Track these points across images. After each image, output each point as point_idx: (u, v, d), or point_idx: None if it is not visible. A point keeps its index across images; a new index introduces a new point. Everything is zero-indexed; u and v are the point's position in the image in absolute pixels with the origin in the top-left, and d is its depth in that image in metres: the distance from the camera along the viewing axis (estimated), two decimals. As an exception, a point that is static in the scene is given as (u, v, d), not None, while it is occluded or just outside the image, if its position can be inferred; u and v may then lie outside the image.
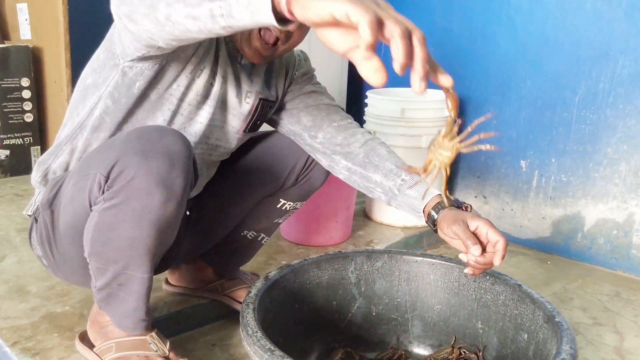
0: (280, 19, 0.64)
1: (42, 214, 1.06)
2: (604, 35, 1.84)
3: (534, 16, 2.00)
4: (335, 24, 0.60)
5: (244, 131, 1.17)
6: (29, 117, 2.46)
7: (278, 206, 1.32)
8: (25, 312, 1.29)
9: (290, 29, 0.67)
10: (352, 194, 1.87)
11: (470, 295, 1.18)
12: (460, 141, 0.86)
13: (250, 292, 1.01)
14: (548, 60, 1.98)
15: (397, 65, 0.61)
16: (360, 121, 2.10)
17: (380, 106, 2.02)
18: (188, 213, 1.27)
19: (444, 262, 1.22)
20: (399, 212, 2.05)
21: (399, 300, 1.24)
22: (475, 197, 2.28)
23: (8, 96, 2.38)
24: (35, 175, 1.11)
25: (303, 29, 1.03)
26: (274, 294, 1.07)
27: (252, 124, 1.17)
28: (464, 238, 0.97)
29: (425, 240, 2.08)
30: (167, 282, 1.45)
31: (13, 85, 2.38)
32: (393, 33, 0.60)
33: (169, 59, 0.98)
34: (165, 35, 0.79)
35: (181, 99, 1.04)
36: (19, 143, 2.45)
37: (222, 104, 1.11)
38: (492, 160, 2.20)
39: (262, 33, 1.01)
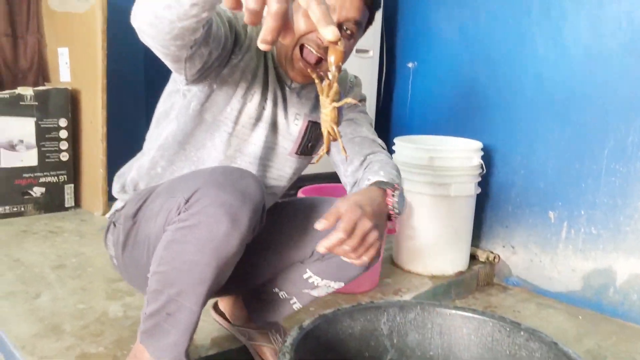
0: None
1: (124, 223, 1.14)
2: (632, 90, 1.86)
3: (562, 68, 2.03)
4: None
5: (296, 153, 1.22)
6: (64, 156, 2.53)
7: (304, 277, 1.24)
8: (61, 351, 1.31)
9: None
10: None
11: (504, 351, 1.17)
12: (333, 99, 0.90)
13: (286, 341, 1.02)
14: (576, 112, 2.00)
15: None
16: (389, 168, 2.13)
17: (407, 153, 2.05)
18: None
19: (476, 316, 1.22)
20: (425, 260, 2.06)
21: (431, 353, 1.23)
22: (503, 246, 2.27)
23: (46, 135, 2.46)
24: (115, 186, 1.24)
25: (346, 46, 1.08)
26: (308, 343, 1.08)
27: (303, 146, 1.22)
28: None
29: (454, 290, 2.06)
30: (214, 307, 1.48)
31: (51, 126, 2.47)
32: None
33: (219, 84, 1.09)
34: (163, 36, 0.87)
35: (235, 122, 1.14)
36: (54, 181, 2.52)
37: (273, 126, 1.18)
38: (520, 210, 2.20)
39: (303, 54, 1.07)
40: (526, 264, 2.19)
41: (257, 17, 0.62)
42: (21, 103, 2.37)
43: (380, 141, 1.23)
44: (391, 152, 2.13)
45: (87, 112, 2.53)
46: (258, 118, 1.15)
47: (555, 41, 2.04)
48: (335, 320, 1.17)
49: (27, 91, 2.39)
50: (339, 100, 0.92)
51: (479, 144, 2.08)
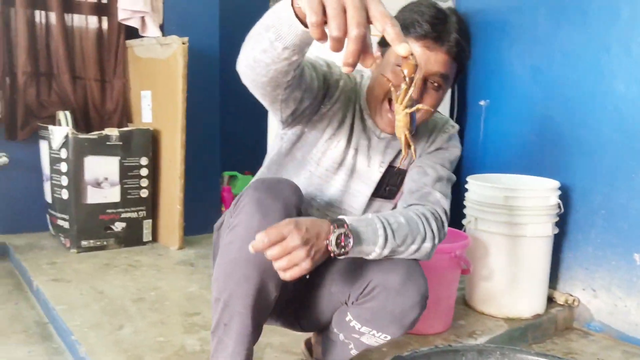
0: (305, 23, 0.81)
1: (214, 236, 1.32)
2: None
3: (643, 106, 1.96)
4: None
5: (374, 196, 1.28)
6: (144, 193, 2.66)
7: (346, 319, 1.21)
8: (144, 383, 1.36)
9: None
10: (454, 282, 1.85)
11: (593, 402, 1.11)
12: (405, 106, 1.00)
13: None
14: (661, 151, 1.92)
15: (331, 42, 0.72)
16: (459, 205, 2.11)
17: (481, 192, 2.02)
18: (307, 276, 1.29)
19: (561, 363, 1.17)
20: (500, 302, 2.00)
21: (513, 401, 1.19)
22: (583, 289, 2.17)
23: (129, 173, 2.60)
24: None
25: (434, 97, 1.15)
26: (386, 385, 1.07)
27: (381, 190, 1.29)
28: None
29: (530, 334, 1.98)
30: (306, 341, 1.52)
31: (134, 164, 2.61)
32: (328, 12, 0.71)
33: (309, 128, 1.23)
34: (260, 78, 0.98)
35: (318, 163, 1.25)
36: (134, 217, 2.65)
37: (352, 172, 1.26)
38: (601, 251, 2.10)
39: (391, 106, 1.15)
40: (609, 309, 2.08)
41: (340, 43, 0.71)
42: (107, 143, 2.52)
43: (437, 196, 1.20)
44: (464, 190, 2.11)
45: (167, 151, 2.66)
46: (340, 163, 1.24)
47: (636, 78, 1.97)
48: (413, 362, 1.15)
49: (113, 132, 2.55)
50: (411, 106, 1.01)
51: (556, 183, 2.02)
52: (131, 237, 2.65)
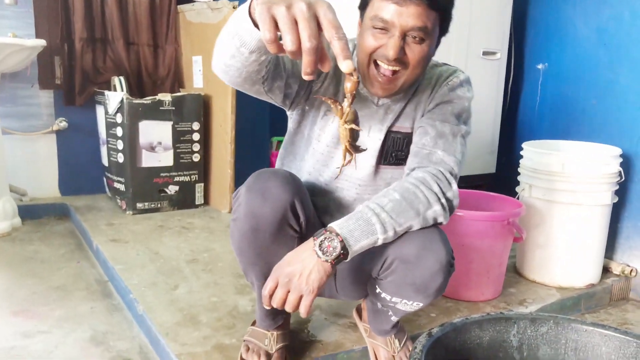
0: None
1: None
2: None
3: None
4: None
5: (380, 164, 1.26)
6: (196, 157, 2.72)
7: (377, 291, 1.23)
8: (199, 340, 1.41)
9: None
10: (505, 249, 1.82)
11: (651, 375, 1.08)
12: (346, 121, 1.02)
13: (415, 347, 1.03)
14: None
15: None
16: (514, 173, 2.05)
17: (537, 159, 1.95)
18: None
19: (618, 335, 1.14)
20: (553, 270, 1.96)
21: (566, 370, 1.17)
22: (642, 260, 2.09)
23: (181, 138, 2.65)
24: None
25: (420, 50, 1.10)
26: (436, 351, 1.07)
27: (385, 157, 1.26)
28: None
29: (584, 303, 1.94)
30: (357, 307, 1.54)
31: (186, 129, 2.66)
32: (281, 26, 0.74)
33: (309, 106, 1.25)
34: (235, 79, 1.03)
35: (319, 140, 1.26)
36: (187, 180, 2.71)
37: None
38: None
39: (379, 70, 1.11)
40: (669, 282, 2.01)
41: (296, 55, 0.75)
42: (160, 108, 2.58)
43: (439, 154, 1.16)
44: (518, 157, 2.05)
45: (218, 116, 2.70)
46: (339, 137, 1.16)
47: None
48: (464, 329, 1.15)
49: (166, 97, 2.59)
50: (352, 121, 1.02)
51: (617, 150, 1.94)
52: (184, 200, 2.72)
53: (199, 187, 2.76)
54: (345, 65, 0.77)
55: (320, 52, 0.76)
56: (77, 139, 2.85)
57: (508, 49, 2.50)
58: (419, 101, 1.24)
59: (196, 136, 2.70)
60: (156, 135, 2.60)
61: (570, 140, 2.15)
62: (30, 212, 2.67)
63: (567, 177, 1.87)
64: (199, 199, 2.77)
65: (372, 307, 1.35)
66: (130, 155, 2.55)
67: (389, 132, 1.24)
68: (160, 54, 2.93)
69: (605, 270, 2.11)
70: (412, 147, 1.22)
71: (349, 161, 1.09)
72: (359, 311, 1.52)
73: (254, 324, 1.40)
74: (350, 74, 0.84)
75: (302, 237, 1.17)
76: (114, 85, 2.75)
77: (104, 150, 2.77)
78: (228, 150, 2.63)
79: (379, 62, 1.11)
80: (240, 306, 1.64)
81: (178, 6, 2.86)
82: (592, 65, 2.24)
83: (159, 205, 2.67)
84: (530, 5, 2.53)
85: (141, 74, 2.91)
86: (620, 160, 1.92)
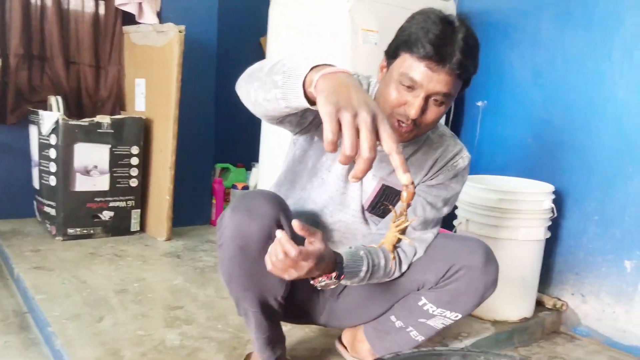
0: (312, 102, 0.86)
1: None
2: None
3: (643, 113, 1.93)
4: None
5: (367, 210, 1.30)
6: (134, 182, 2.63)
7: (419, 304, 1.31)
8: (119, 378, 1.33)
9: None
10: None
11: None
12: (399, 231, 1.08)
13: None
14: (658, 159, 1.89)
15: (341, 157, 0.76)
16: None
17: (475, 194, 1.99)
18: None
19: (546, 373, 1.14)
20: (488, 304, 1.97)
21: (495, 409, 1.16)
22: (572, 294, 2.15)
23: (119, 162, 2.56)
24: None
25: (436, 111, 1.15)
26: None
27: (375, 206, 1.29)
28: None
29: (517, 337, 1.96)
30: (339, 338, 1.54)
31: (124, 153, 2.57)
32: (344, 125, 0.76)
33: (319, 136, 1.24)
34: (259, 113, 1.05)
35: (328, 170, 1.28)
36: (123, 206, 2.61)
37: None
38: (592, 257, 2.08)
39: (397, 125, 1.15)
40: (597, 314, 2.06)
41: (351, 159, 0.76)
42: (98, 130, 2.48)
43: (415, 235, 1.28)
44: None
45: (159, 141, 2.62)
46: (349, 170, 1.25)
47: (638, 85, 1.94)
48: (393, 366, 1.12)
49: (104, 119, 2.51)
50: (403, 232, 1.09)
51: (550, 187, 2.00)
52: (119, 227, 2.62)
53: (135, 214, 2.66)
54: (405, 178, 0.80)
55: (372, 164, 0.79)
56: (6, 160, 2.71)
57: (450, 85, 2.56)
58: (421, 166, 1.29)
59: (135, 160, 2.61)
60: (92, 159, 2.50)
61: (507, 176, 2.20)
62: (-50, 236, 2.50)
63: (502, 213, 1.91)
64: (134, 225, 2.67)
65: (381, 330, 1.38)
66: (63, 178, 2.44)
67: (383, 186, 1.29)
68: (102, 74, 2.85)
69: (539, 304, 2.14)
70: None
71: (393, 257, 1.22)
72: (343, 344, 1.53)
73: (248, 357, 1.42)
74: (407, 186, 0.87)
75: None
76: (50, 105, 2.64)
77: (35, 172, 2.64)
78: (167, 176, 2.55)
79: (398, 118, 1.15)
80: (168, 340, 1.56)
81: (123, 27, 2.80)
82: (528, 105, 2.32)
83: (91, 231, 2.55)
84: (478, 56, 2.60)
85: (81, 95, 2.81)
86: (553, 197, 1.98)
